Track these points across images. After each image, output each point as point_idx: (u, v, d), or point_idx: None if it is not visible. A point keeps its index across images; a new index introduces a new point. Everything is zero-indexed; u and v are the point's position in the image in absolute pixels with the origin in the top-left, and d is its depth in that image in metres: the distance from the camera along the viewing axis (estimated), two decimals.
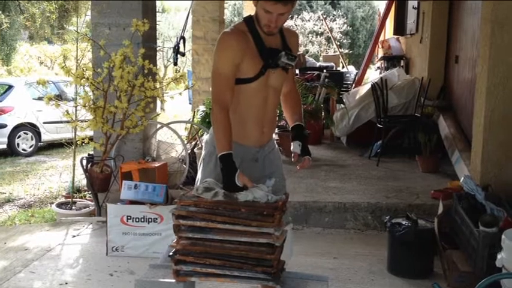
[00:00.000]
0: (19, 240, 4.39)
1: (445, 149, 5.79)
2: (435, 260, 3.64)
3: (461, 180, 3.92)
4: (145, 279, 2.37)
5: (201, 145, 5.67)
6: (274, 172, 2.58)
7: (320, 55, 17.61)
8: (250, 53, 2.41)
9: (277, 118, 2.65)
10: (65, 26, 18.31)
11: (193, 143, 5.96)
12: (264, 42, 2.43)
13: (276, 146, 2.72)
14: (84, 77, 4.49)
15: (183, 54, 5.67)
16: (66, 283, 3.50)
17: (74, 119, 4.85)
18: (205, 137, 2.62)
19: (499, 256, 2.76)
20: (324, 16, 18.77)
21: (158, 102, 6.97)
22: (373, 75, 12.03)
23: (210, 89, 2.54)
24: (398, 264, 3.60)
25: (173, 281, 2.26)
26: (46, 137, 9.84)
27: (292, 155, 2.61)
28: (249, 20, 2.47)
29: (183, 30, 6.03)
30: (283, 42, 2.51)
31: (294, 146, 2.61)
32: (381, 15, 10.75)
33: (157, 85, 4.78)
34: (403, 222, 3.58)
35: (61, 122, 6.50)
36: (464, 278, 3.21)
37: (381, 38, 10.61)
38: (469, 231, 3.24)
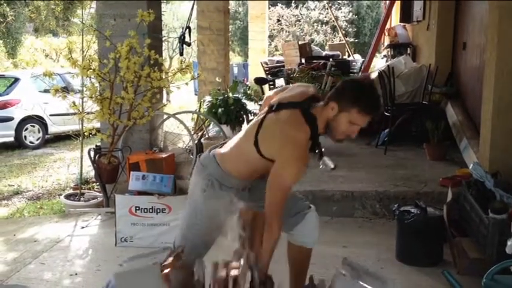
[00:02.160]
0: (28, 232, 4.42)
1: (453, 136, 5.75)
2: (444, 248, 3.63)
3: (470, 167, 3.91)
4: (124, 270, 2.37)
5: (208, 135, 5.67)
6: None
7: (326, 44, 17.54)
8: None
9: None
10: (70, 18, 18.30)
11: (200, 133, 5.96)
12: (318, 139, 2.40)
13: None
14: (90, 68, 4.49)
15: (189, 44, 5.65)
16: (76, 274, 3.52)
17: (80, 110, 4.85)
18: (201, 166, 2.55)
19: (509, 243, 2.75)
20: (329, 5, 18.66)
21: (164, 93, 6.97)
22: (379, 63, 11.95)
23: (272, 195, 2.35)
24: (407, 252, 3.59)
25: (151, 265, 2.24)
26: (53, 129, 9.85)
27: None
28: (311, 121, 2.35)
29: (189, 20, 6.01)
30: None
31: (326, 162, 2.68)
32: (387, 2, 10.66)
33: (164, 75, 4.77)
34: (412, 210, 3.57)
35: (68, 114, 6.49)
36: (474, 265, 3.20)
37: (387, 26, 10.53)
38: (479, 218, 3.23)
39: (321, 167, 2.69)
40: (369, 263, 3.59)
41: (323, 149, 2.47)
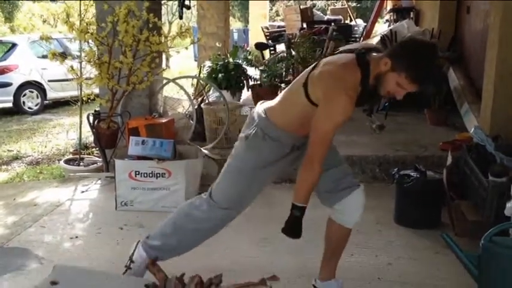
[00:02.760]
0: (28, 196, 4.43)
1: (454, 101, 5.72)
2: (443, 211, 3.64)
3: (471, 130, 3.89)
4: (65, 264, 2.37)
5: (208, 100, 5.64)
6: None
7: (327, 8, 17.28)
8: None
9: None
10: None
11: (199, 98, 5.92)
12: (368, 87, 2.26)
13: None
14: (88, 32, 4.42)
15: (189, 8, 5.57)
16: (77, 237, 3.55)
17: (79, 75, 4.80)
18: (254, 114, 2.52)
19: (508, 205, 2.75)
20: None
21: (164, 58, 6.90)
22: (381, 28, 11.81)
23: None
24: (406, 215, 3.61)
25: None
26: (52, 94, 9.82)
27: None
28: (363, 65, 2.25)
29: None
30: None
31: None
32: None
33: (163, 40, 4.70)
34: (412, 174, 3.57)
35: (66, 79, 6.46)
36: (472, 228, 3.22)
37: None
38: (478, 182, 3.22)
39: (369, 124, 2.58)
40: (368, 225, 3.61)
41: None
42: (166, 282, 2.38)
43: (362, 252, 3.21)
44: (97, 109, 4.91)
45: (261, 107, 2.51)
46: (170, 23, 16.90)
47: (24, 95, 9.90)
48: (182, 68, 13.84)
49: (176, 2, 5.80)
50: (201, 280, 2.35)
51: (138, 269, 2.65)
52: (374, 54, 2.32)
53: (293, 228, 2.35)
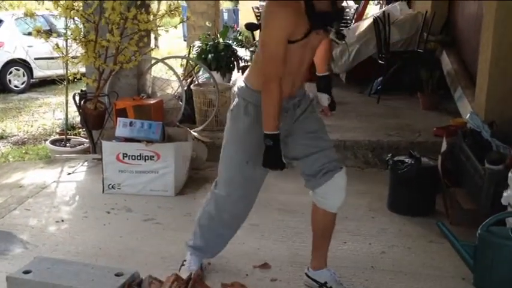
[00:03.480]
0: (13, 177, 4.32)
1: (447, 86, 5.66)
2: (437, 199, 3.60)
3: (467, 116, 3.83)
4: (17, 276, 2.28)
5: (198, 81, 5.52)
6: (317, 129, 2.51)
7: None
8: (300, 17, 2.17)
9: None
10: None
11: (189, 79, 5.80)
12: (314, 6, 2.18)
13: (310, 96, 2.56)
14: (73, 9, 4.28)
15: None
16: (63, 220, 3.45)
17: (64, 53, 4.66)
18: (235, 87, 2.51)
19: (505, 194, 2.70)
20: None
21: (152, 37, 6.75)
22: (373, 10, 11.69)
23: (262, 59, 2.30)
24: (399, 202, 3.55)
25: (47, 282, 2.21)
26: (38, 73, 9.63)
27: (321, 109, 2.60)
28: None
29: None
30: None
31: (323, 99, 2.56)
32: None
33: (151, 18, 4.57)
34: (406, 160, 3.50)
35: (52, 57, 6.31)
36: (466, 216, 3.17)
37: None
38: (474, 169, 3.17)
39: (319, 99, 2.56)
40: (360, 212, 3.56)
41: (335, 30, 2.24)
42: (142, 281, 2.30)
43: (355, 239, 3.15)
44: (83, 89, 4.78)
45: (241, 78, 2.51)
46: (159, 1, 16.63)
47: (10, 73, 9.71)
48: (171, 47, 13.65)
49: None
50: (178, 277, 2.28)
51: (188, 270, 2.60)
52: None
53: (270, 158, 2.30)
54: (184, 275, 2.36)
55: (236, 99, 2.46)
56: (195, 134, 4.60)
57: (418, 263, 2.89)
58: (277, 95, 2.24)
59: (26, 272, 2.30)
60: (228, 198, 2.55)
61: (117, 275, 2.28)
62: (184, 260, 2.72)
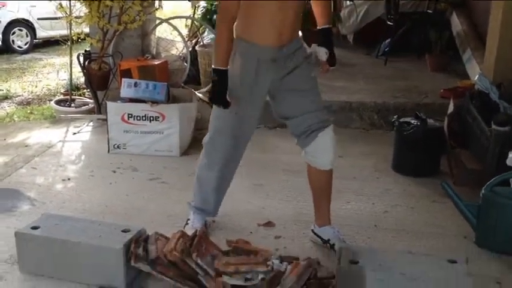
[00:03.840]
0: (19, 137, 4.33)
1: (456, 47, 5.58)
2: (442, 160, 3.59)
3: (475, 78, 3.79)
4: (26, 232, 2.34)
5: (203, 42, 5.47)
6: (308, 88, 2.47)
7: None
8: None
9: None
10: None
11: (194, 40, 5.75)
12: None
13: (306, 51, 2.49)
14: None
15: None
16: (69, 179, 3.48)
17: (68, 13, 4.61)
18: None
19: (510, 155, 2.69)
20: None
21: None
22: None
23: None
24: (404, 162, 3.55)
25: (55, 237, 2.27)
26: (41, 33, 9.55)
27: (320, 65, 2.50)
28: None
29: None
30: None
31: (320, 53, 2.46)
32: None
33: None
34: (412, 121, 3.49)
35: (56, 18, 6.24)
36: (471, 176, 3.17)
37: None
38: (481, 130, 3.16)
39: (317, 54, 2.49)
40: (365, 173, 3.57)
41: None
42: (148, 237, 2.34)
43: (359, 199, 3.17)
44: (87, 49, 4.75)
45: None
46: None
47: (13, 33, 9.63)
48: (176, 8, 13.44)
49: None
50: (184, 234, 2.31)
51: (192, 228, 2.63)
52: None
53: (214, 93, 2.37)
54: (189, 232, 2.39)
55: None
56: (200, 95, 4.59)
57: (420, 222, 2.91)
58: (226, 35, 2.29)
59: (34, 228, 2.35)
60: (214, 144, 2.56)
61: (124, 231, 2.32)
62: (188, 219, 2.76)
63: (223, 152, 2.56)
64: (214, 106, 2.50)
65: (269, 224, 2.87)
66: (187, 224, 2.74)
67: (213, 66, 2.34)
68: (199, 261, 2.18)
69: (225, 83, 2.33)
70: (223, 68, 2.32)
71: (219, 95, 2.35)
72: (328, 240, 2.59)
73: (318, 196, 2.63)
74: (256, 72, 2.38)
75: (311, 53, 2.49)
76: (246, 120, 2.50)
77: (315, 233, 2.65)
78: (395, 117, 3.64)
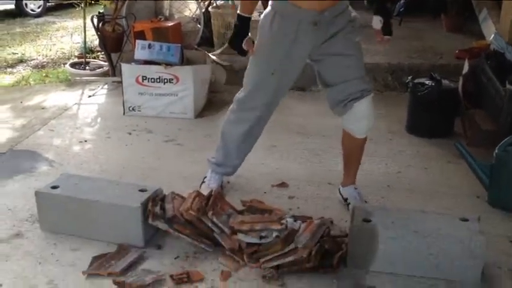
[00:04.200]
0: (35, 100, 4.39)
1: (472, 7, 5.47)
2: (456, 121, 3.59)
3: (491, 37, 3.74)
4: (46, 191, 2.39)
5: (216, 3, 5.42)
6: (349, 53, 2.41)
7: None
8: None
9: None
10: None
11: (207, 1, 5.69)
12: None
13: (351, 16, 2.42)
14: None
15: None
16: (86, 141, 3.54)
17: None
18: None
19: None
20: None
21: None
22: None
23: None
24: (418, 124, 3.55)
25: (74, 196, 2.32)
26: None
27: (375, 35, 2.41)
28: None
29: None
30: None
31: (375, 22, 2.37)
32: None
33: None
34: (426, 82, 3.47)
35: None
36: (485, 137, 3.17)
37: None
38: (495, 90, 3.14)
39: (372, 23, 2.40)
40: (379, 134, 3.57)
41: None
42: (165, 196, 2.39)
43: (372, 161, 3.19)
44: (101, 11, 4.74)
45: None
46: None
47: None
48: None
49: None
50: (200, 194, 2.36)
51: (207, 187, 2.68)
52: None
53: (233, 38, 2.39)
54: (204, 192, 2.44)
55: (268, 11, 2.41)
56: (214, 57, 4.58)
57: (434, 182, 2.93)
58: None
59: (54, 187, 2.41)
60: (248, 101, 2.55)
61: (141, 190, 2.37)
62: (205, 177, 2.80)
63: (255, 109, 2.56)
64: (250, 63, 2.51)
65: (283, 185, 2.91)
66: (203, 182, 2.78)
67: (238, 12, 2.35)
68: (214, 219, 2.23)
69: (245, 31, 2.34)
70: (246, 15, 2.33)
71: (237, 41, 2.36)
72: (346, 199, 2.63)
73: (348, 158, 2.66)
74: (296, 35, 2.34)
75: (355, 17, 2.41)
76: (281, 82, 2.47)
77: (339, 192, 2.70)
78: (409, 78, 3.62)
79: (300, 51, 2.39)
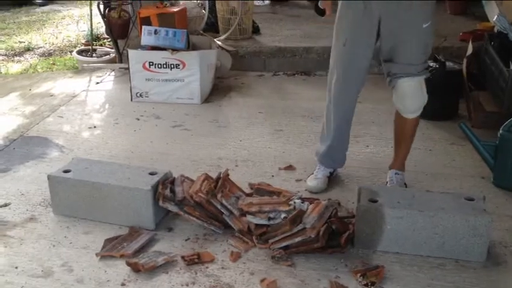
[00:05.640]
0: (43, 87, 4.43)
1: None
2: (460, 103, 3.61)
3: (494, 18, 3.73)
4: (58, 175, 2.44)
5: None
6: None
7: None
8: None
9: None
10: None
11: None
12: None
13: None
14: None
15: None
16: (95, 126, 3.59)
17: None
18: None
19: None
20: None
21: None
22: None
23: None
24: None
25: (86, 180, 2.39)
26: None
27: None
28: None
29: None
30: None
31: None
32: None
33: None
34: (431, 64, 3.48)
35: None
36: (489, 118, 3.20)
37: None
38: (499, 71, 3.15)
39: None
40: (383, 117, 3.61)
41: None
42: (174, 179, 2.44)
43: (377, 143, 3.23)
44: None
45: None
46: None
47: None
48: None
49: None
50: (208, 176, 2.41)
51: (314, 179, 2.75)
52: None
53: (316, 5, 2.54)
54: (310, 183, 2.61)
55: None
56: (219, 42, 4.60)
57: (438, 164, 2.97)
58: None
59: (66, 172, 2.46)
60: (329, 78, 2.60)
61: (151, 173, 2.42)
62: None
63: (333, 88, 2.59)
64: (333, 40, 2.54)
65: (290, 168, 2.95)
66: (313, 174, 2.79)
67: None
68: (224, 201, 2.29)
69: None
70: None
71: (319, 8, 2.51)
72: (386, 182, 2.69)
73: (396, 139, 2.71)
74: (365, 5, 2.38)
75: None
76: (354, 57, 2.48)
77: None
78: None
79: (367, 22, 2.40)
